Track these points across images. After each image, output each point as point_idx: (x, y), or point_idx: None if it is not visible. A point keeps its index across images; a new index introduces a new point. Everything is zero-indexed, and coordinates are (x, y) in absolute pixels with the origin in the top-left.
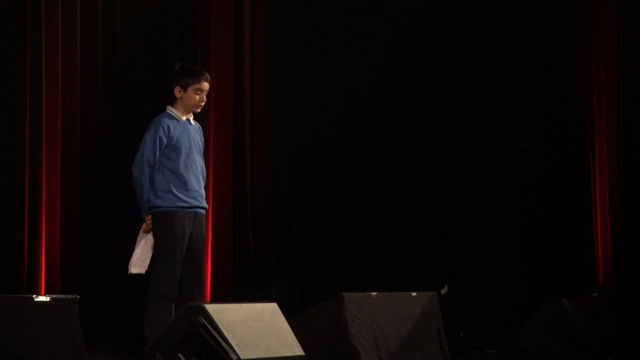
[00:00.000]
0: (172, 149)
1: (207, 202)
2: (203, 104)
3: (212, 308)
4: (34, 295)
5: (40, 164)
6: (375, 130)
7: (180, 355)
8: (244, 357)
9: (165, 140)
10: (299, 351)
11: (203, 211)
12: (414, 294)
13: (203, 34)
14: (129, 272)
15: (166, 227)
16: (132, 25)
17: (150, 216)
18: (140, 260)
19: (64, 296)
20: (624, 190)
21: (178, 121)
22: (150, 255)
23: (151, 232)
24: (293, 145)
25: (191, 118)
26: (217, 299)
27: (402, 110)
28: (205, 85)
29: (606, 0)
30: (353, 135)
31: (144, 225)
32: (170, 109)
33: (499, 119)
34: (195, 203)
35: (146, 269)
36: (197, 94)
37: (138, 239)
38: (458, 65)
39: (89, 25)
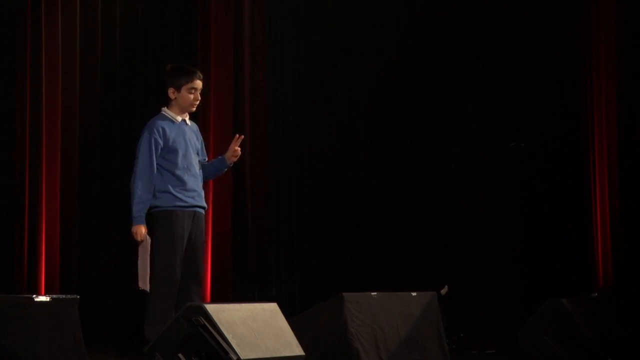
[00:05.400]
0: (169, 150)
1: (207, 202)
2: (198, 102)
3: (212, 308)
4: (34, 295)
5: (40, 164)
6: (375, 130)
7: (180, 355)
8: (244, 357)
9: (161, 142)
10: (299, 351)
11: (202, 211)
12: (414, 294)
13: (203, 34)
14: (139, 287)
15: (165, 226)
16: (132, 25)
17: (138, 229)
18: (142, 277)
19: (64, 296)
20: (624, 191)
21: (173, 122)
22: (148, 270)
23: (145, 243)
24: (293, 146)
25: (187, 118)
26: (217, 299)
27: (402, 110)
28: (199, 84)
29: (606, 0)
30: (353, 135)
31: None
32: (165, 110)
33: (499, 119)
34: (193, 202)
35: (148, 286)
36: (191, 93)
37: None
38: (458, 65)
39: (89, 25)
